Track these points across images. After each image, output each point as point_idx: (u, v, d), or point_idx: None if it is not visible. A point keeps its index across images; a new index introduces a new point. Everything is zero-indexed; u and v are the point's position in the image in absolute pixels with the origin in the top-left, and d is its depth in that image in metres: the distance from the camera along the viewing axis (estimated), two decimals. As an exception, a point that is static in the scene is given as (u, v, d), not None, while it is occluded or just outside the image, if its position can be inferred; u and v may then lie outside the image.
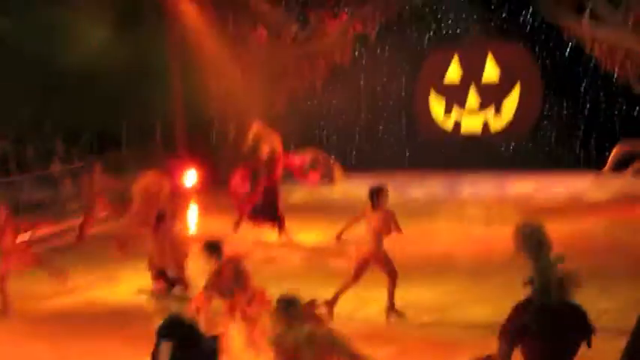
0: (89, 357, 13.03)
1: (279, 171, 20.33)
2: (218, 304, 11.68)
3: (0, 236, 15.11)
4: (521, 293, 8.46)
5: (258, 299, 11.58)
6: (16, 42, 24.25)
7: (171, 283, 12.77)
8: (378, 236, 14.34)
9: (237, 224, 20.43)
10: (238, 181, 20.49)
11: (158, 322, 9.28)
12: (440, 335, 13.65)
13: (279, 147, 20.11)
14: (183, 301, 9.87)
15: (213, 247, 11.61)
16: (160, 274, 13.18)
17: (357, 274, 14.41)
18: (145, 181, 18.23)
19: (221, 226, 21.87)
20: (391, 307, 14.43)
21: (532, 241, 8.39)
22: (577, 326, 8.40)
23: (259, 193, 20.17)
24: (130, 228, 18.16)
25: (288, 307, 8.16)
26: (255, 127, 20.41)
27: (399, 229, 14.34)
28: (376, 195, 14.34)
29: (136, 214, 17.78)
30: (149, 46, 26.62)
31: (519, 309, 8.56)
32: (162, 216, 13.70)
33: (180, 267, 13.25)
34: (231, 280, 11.47)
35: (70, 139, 26.68)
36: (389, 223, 14.39)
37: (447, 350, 12.75)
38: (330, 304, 14.33)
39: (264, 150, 20.07)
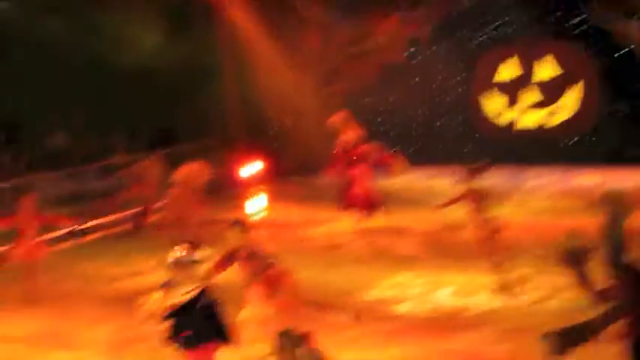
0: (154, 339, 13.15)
1: (368, 158, 20.53)
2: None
3: (26, 226, 15.31)
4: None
5: (276, 280, 11.76)
6: (79, 44, 24.91)
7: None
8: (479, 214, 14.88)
9: (344, 209, 20.57)
10: (335, 170, 20.77)
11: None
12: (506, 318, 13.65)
13: (361, 135, 20.41)
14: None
15: (238, 225, 11.77)
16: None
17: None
18: (186, 170, 18.41)
19: (282, 213, 22.07)
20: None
21: (612, 205, 9.88)
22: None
23: (354, 181, 20.35)
24: (169, 213, 18.39)
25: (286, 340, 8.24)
26: (342, 116, 20.65)
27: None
28: (473, 173, 14.71)
29: (174, 200, 17.92)
30: (202, 47, 27.13)
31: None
32: None
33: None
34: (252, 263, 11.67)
35: (131, 133, 26.96)
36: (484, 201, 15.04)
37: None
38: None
39: (350, 137, 20.30)
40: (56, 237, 19.55)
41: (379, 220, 20.48)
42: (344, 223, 20.60)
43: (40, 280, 15.54)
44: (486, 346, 12.55)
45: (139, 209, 21.33)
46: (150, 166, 21.26)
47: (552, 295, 14.56)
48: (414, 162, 27.00)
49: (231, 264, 11.64)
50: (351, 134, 20.58)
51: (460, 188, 15.43)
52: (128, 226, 21.53)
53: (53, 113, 25.49)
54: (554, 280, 14.82)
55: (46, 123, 25.29)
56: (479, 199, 15.06)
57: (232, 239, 11.66)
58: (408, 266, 16.73)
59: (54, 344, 13.10)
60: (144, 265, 17.33)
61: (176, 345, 10.17)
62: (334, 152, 20.72)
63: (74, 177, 23.02)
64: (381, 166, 21.21)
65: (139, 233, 20.69)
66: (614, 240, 10.27)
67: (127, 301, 14.67)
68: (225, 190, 24.73)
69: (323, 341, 12.59)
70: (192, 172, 17.79)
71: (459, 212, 20.69)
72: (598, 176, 25.05)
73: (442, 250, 17.87)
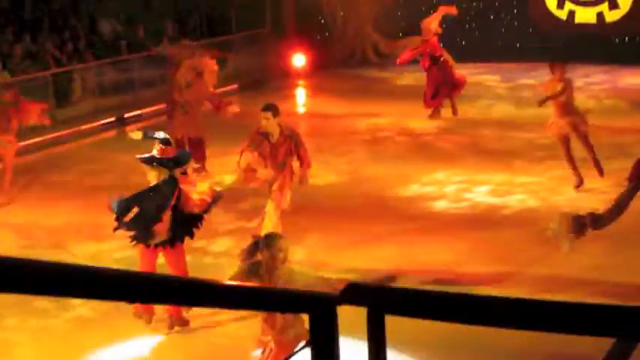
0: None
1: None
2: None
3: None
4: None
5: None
6: None
7: None
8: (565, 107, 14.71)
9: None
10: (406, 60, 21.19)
11: None
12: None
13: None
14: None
15: (269, 108, 11.83)
16: None
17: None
18: (196, 59, 17.88)
19: (326, 106, 22.05)
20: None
21: None
22: None
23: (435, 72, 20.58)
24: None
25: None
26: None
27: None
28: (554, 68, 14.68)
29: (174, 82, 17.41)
30: None
31: None
32: None
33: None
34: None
35: (180, 20, 26.85)
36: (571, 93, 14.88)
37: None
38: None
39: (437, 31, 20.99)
40: (97, 127, 19.69)
41: (423, 116, 20.41)
42: (387, 118, 20.53)
43: (79, 172, 15.73)
44: (523, 244, 12.55)
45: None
46: (194, 53, 21.05)
47: (589, 196, 14.47)
48: (465, 57, 26.82)
49: (261, 145, 11.73)
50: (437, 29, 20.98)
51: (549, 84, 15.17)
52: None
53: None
54: (591, 181, 14.76)
55: (95, 9, 25.24)
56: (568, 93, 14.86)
57: (264, 123, 11.74)
58: (446, 164, 16.68)
59: (86, 235, 13.31)
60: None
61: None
62: (425, 41, 20.95)
63: (119, 66, 23.02)
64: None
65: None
66: None
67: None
68: (274, 81, 24.70)
69: (355, 236, 12.79)
70: (200, 62, 17.17)
71: (501, 111, 20.70)
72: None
73: (481, 149, 17.77)
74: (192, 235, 10.46)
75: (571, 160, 14.79)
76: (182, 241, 10.40)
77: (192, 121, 16.20)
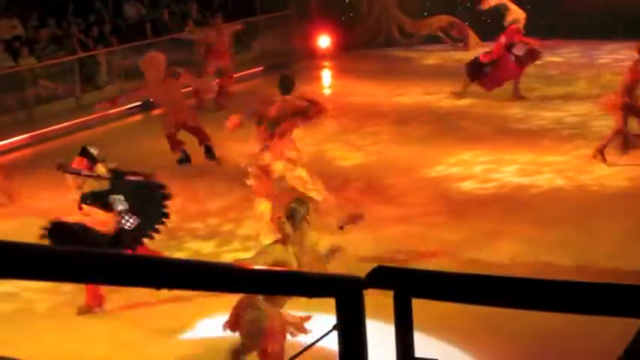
0: (228, 212, 13.30)
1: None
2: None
3: None
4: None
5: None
6: None
7: None
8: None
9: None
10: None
11: None
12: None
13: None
14: None
15: (284, 80, 11.75)
16: None
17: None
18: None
19: (350, 87, 21.99)
20: None
21: None
22: None
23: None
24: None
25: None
26: None
27: None
28: None
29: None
30: None
31: None
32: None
33: None
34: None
35: (205, 2, 26.81)
36: None
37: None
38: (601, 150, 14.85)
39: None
40: (123, 112, 19.70)
41: (449, 96, 20.39)
42: (412, 98, 20.48)
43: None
44: (550, 224, 12.51)
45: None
46: (220, 35, 21.02)
47: (615, 174, 14.43)
48: (490, 35, 26.71)
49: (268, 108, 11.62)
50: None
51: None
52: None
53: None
54: (615, 160, 14.70)
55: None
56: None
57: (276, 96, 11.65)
58: (473, 144, 16.62)
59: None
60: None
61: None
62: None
63: (144, 49, 23.01)
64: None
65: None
66: None
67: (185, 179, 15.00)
68: (299, 63, 24.64)
69: (382, 217, 12.76)
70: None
71: (527, 89, 20.57)
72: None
73: (507, 129, 17.69)
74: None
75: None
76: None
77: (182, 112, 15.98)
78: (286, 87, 11.67)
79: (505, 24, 20.81)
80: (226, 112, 16.03)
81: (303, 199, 8.82)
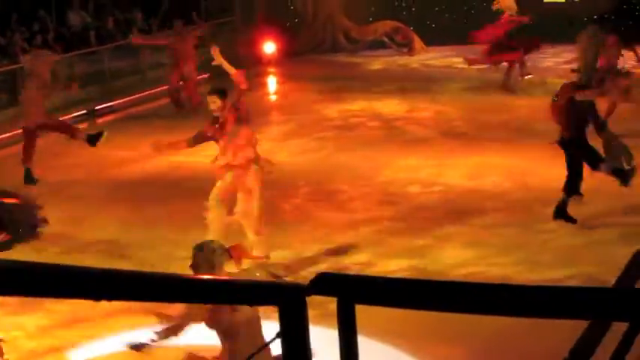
0: (169, 219, 13.24)
1: None
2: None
3: None
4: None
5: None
6: None
7: None
8: None
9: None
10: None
11: None
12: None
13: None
14: None
15: (218, 92, 11.48)
16: None
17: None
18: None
19: (297, 93, 22.01)
20: None
21: (587, 38, 12.15)
22: None
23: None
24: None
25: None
26: None
27: None
28: None
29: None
30: None
31: (567, 86, 12.39)
32: None
33: None
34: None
35: (149, 10, 26.71)
36: None
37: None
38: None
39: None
40: (68, 120, 19.51)
41: (394, 101, 20.48)
42: (359, 104, 20.53)
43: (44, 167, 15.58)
44: (498, 227, 12.57)
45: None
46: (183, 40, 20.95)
47: (561, 177, 14.52)
48: (435, 40, 26.88)
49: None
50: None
51: None
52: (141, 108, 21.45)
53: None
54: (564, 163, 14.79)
55: (65, 1, 25.08)
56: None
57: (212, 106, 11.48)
58: (419, 148, 16.69)
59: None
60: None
61: None
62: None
63: (89, 57, 22.89)
64: None
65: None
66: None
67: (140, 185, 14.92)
68: (245, 69, 24.52)
69: (328, 223, 12.75)
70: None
71: (473, 93, 20.73)
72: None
73: (453, 133, 17.80)
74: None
75: None
76: None
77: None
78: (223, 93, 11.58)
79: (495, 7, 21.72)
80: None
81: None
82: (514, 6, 21.48)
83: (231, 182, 11.38)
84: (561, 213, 12.39)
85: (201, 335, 7.80)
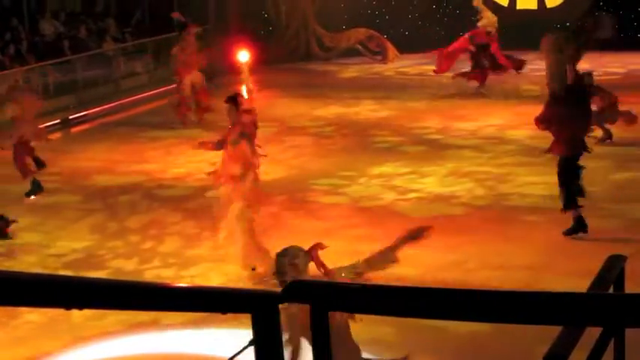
0: (143, 229, 13.21)
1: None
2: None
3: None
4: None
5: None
6: None
7: None
8: None
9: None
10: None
11: None
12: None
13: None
14: None
15: (232, 100, 11.86)
16: None
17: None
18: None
19: (270, 100, 22.02)
20: None
21: (555, 45, 12.14)
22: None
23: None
24: None
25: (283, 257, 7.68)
26: None
27: None
28: None
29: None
30: None
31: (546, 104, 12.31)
32: None
33: None
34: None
35: (122, 18, 26.65)
36: None
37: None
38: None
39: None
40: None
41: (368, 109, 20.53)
42: (332, 112, 20.56)
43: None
44: (472, 233, 12.60)
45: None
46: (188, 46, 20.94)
47: (534, 183, 14.61)
48: (408, 47, 26.95)
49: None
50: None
51: None
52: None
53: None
54: (537, 171, 14.87)
55: (38, 10, 25.01)
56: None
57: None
58: (393, 156, 16.74)
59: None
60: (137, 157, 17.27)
61: None
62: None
63: (62, 67, 22.79)
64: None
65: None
66: None
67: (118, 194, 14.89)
68: (219, 78, 24.57)
69: (303, 231, 12.74)
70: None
71: (446, 101, 20.81)
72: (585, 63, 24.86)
73: (427, 140, 17.86)
74: None
75: None
76: None
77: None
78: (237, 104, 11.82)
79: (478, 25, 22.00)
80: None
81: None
82: (494, 23, 21.87)
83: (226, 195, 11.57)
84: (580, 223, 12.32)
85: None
